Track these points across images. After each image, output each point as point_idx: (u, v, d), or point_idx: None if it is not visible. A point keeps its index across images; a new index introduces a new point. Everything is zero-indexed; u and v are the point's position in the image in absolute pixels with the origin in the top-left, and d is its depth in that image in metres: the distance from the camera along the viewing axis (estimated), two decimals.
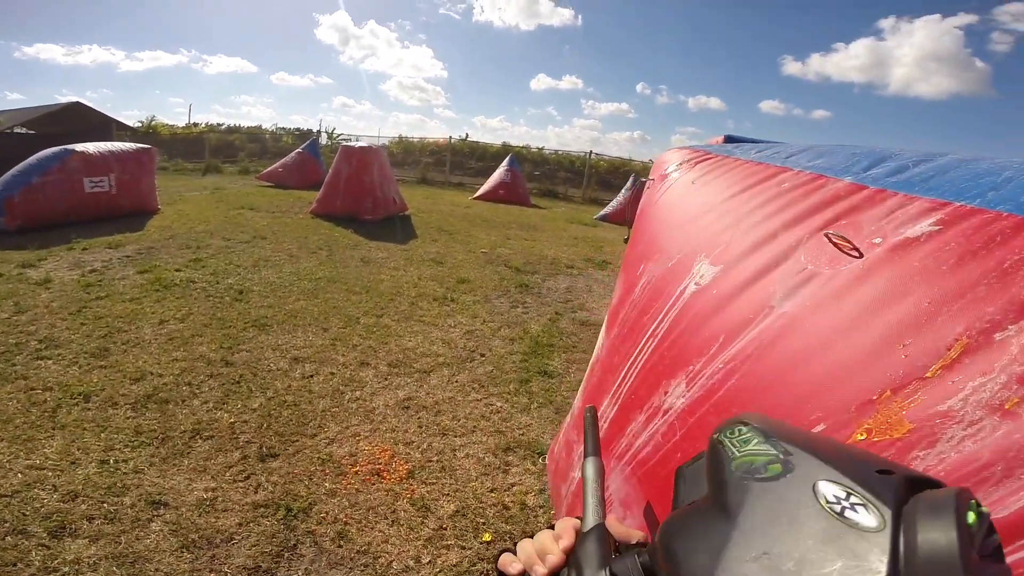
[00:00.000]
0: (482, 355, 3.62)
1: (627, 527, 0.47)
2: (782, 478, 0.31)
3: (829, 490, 0.29)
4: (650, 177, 1.45)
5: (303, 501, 2.03)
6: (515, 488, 2.27)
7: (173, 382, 2.77)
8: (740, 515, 0.31)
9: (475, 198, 12.38)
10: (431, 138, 18.45)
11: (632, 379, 1.04)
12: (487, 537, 1.93)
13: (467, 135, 18.72)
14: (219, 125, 20.77)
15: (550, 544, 0.46)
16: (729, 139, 6.13)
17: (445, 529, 1.96)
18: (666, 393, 0.88)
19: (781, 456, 0.33)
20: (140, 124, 18.46)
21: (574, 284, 5.71)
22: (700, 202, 1.14)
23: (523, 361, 3.58)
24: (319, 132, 19.22)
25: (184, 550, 1.75)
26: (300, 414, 2.66)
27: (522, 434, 2.69)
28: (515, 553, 0.48)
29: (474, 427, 2.71)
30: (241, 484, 2.09)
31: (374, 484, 2.20)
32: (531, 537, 0.49)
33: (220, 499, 1.99)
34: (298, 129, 20.59)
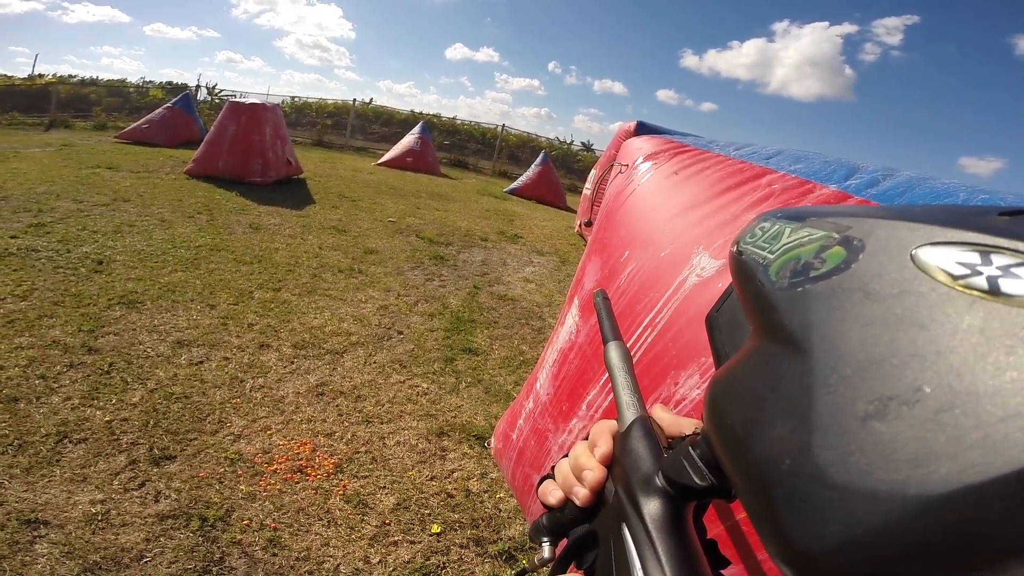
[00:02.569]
0: (400, 332, 3.54)
1: (676, 415, 0.40)
2: (854, 264, 0.22)
3: (945, 257, 0.19)
4: (623, 163, 1.51)
5: (218, 508, 1.87)
6: (456, 474, 2.30)
7: (20, 375, 2.33)
8: (813, 342, 0.21)
9: (379, 164, 11.97)
10: (331, 99, 17.74)
11: None
12: (436, 529, 1.95)
13: (371, 99, 18.15)
14: (71, 77, 17.56)
15: (586, 458, 0.40)
16: (641, 124, 6.59)
17: (389, 525, 1.94)
18: (676, 384, 0.96)
19: (836, 235, 0.24)
20: None
21: (489, 257, 5.75)
22: (688, 195, 1.20)
23: (445, 338, 3.57)
24: (197, 87, 17.19)
25: (88, 574, 1.53)
26: (194, 408, 2.41)
27: (454, 416, 2.72)
28: (555, 478, 0.42)
29: (401, 412, 2.67)
30: (136, 493, 1.86)
31: (298, 483, 2.09)
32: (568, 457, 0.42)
33: (114, 512, 1.75)
34: (170, 83, 18.19)
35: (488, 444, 2.49)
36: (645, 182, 1.37)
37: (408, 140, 12.53)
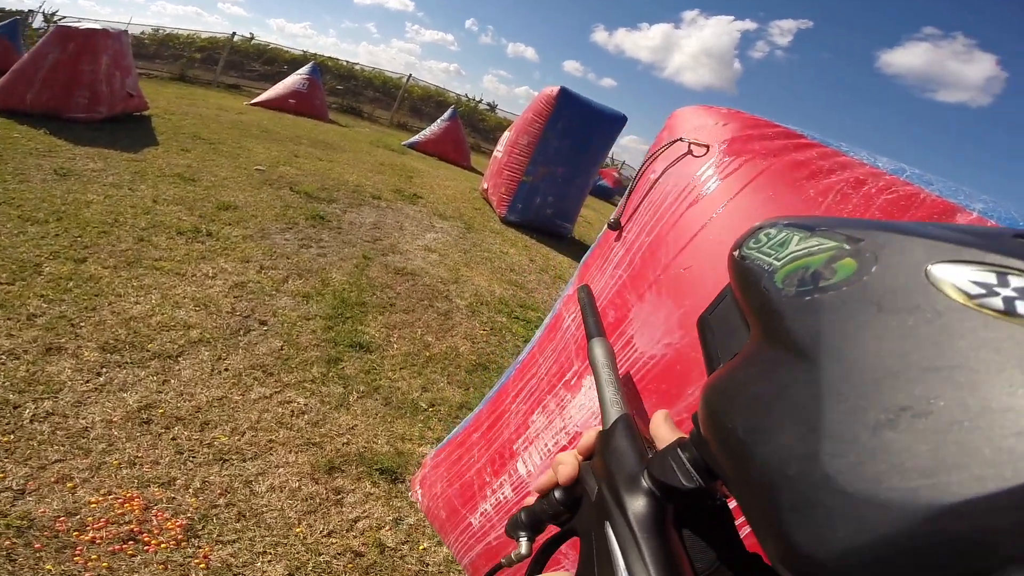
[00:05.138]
0: (263, 323, 2.95)
1: (676, 428, 0.41)
2: (866, 276, 0.24)
3: (959, 276, 0.21)
4: (697, 142, 1.10)
5: None
6: (361, 524, 1.91)
7: None
8: (822, 351, 0.23)
9: (253, 104, 11.16)
10: (206, 33, 16.06)
11: None
12: None
13: (252, 35, 16.51)
14: None
15: (563, 455, 0.44)
16: (564, 92, 6.47)
17: None
18: None
19: (848, 247, 0.26)
20: None
21: (382, 219, 5.19)
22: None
23: (327, 330, 3.06)
24: (29, 11, 14.72)
25: None
26: None
27: (346, 443, 2.28)
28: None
29: (270, 442, 2.17)
30: None
31: (134, 555, 1.57)
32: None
33: None
34: None
35: (412, 490, 2.14)
36: (756, 185, 0.98)
37: (293, 80, 11.87)
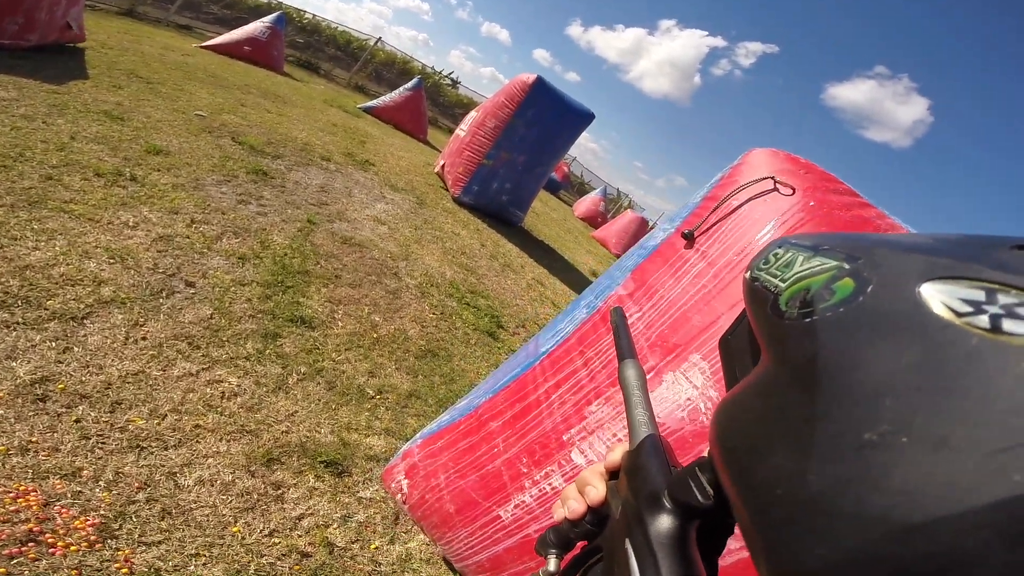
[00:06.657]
0: (190, 284, 2.63)
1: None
2: (862, 296, 0.24)
3: (949, 293, 0.21)
4: (780, 180, 1.21)
5: None
6: (306, 522, 1.74)
7: None
8: (818, 373, 0.23)
9: (203, 47, 10.45)
10: None
11: None
12: None
13: None
14: None
15: (591, 474, 0.45)
16: (540, 81, 6.32)
17: None
18: None
19: (847, 266, 0.25)
20: None
21: (330, 182, 4.86)
22: None
23: (264, 299, 2.78)
24: None
25: None
26: None
27: (286, 432, 2.06)
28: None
29: (197, 428, 1.92)
30: None
31: (38, 560, 1.32)
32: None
33: None
34: None
35: (388, 483, 1.97)
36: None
37: (254, 27, 11.31)
